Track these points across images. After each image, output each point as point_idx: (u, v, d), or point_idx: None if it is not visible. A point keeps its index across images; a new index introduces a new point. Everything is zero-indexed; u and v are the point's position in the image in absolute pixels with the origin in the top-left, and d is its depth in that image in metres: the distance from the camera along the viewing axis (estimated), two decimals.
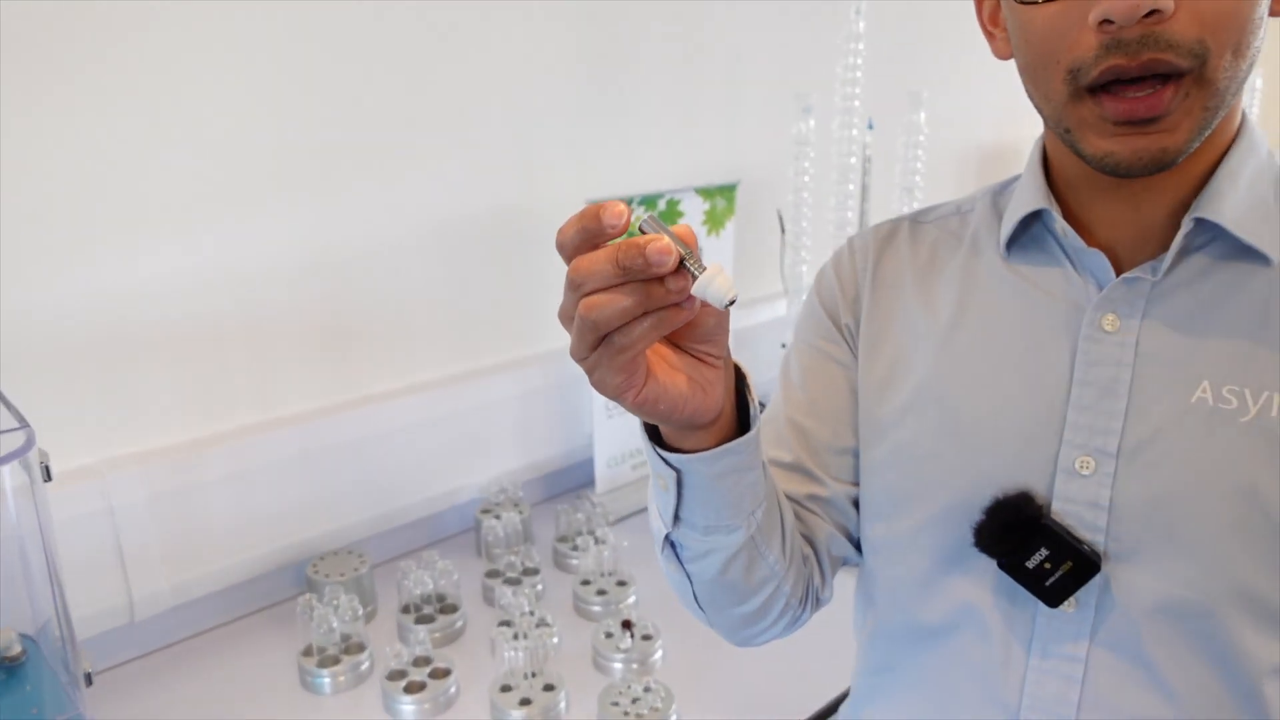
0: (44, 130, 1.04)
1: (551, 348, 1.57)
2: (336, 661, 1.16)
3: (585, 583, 1.33)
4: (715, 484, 0.63)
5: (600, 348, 0.51)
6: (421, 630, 1.22)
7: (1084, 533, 0.66)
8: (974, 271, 0.77)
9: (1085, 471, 0.66)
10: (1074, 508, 0.66)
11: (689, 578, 0.71)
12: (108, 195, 1.10)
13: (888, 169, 1.73)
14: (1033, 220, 0.74)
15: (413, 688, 1.11)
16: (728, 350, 0.59)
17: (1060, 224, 0.70)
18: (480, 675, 1.17)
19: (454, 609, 1.27)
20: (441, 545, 1.48)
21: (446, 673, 1.14)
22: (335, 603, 1.20)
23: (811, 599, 0.80)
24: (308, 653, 1.17)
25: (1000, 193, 0.80)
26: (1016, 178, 0.79)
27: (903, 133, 1.67)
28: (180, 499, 1.19)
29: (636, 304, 0.49)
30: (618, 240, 0.49)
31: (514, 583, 1.34)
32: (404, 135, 1.33)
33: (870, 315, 0.81)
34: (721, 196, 1.59)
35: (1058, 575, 0.66)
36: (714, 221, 1.60)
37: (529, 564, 1.38)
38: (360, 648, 1.19)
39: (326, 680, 1.15)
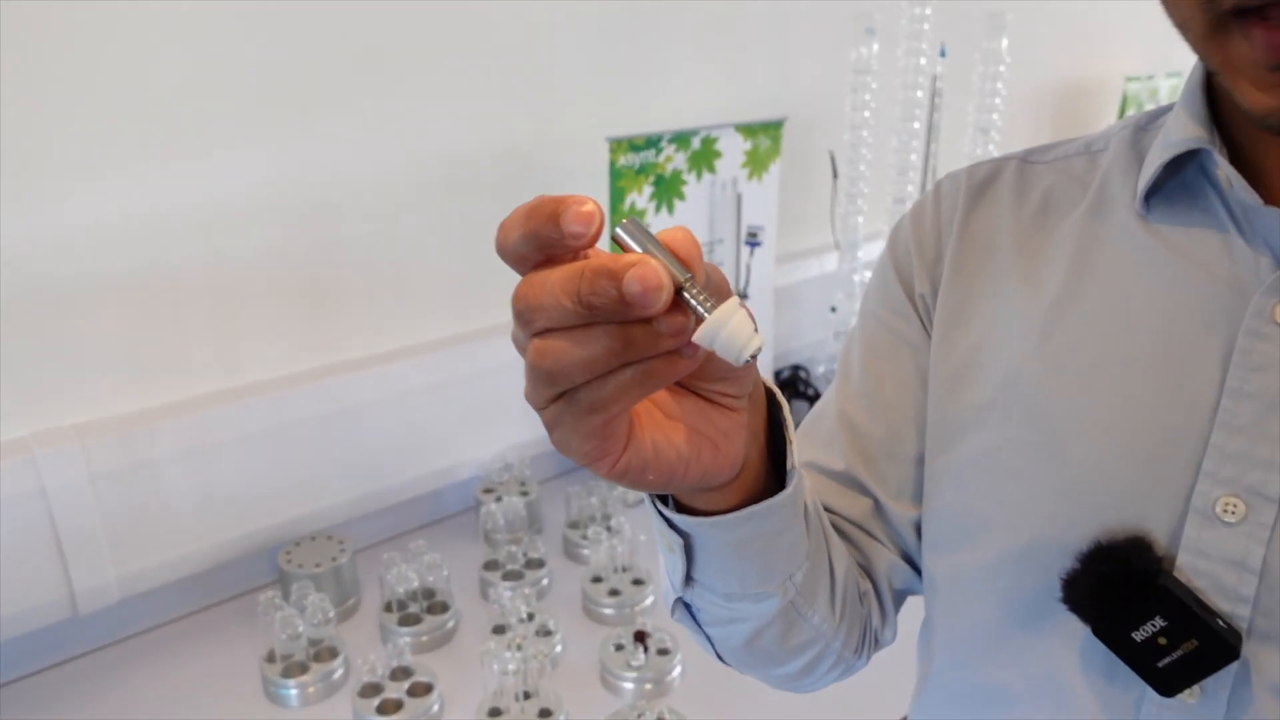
0: None
1: None
2: (304, 670, 1.01)
3: (596, 579, 1.16)
4: (737, 551, 0.48)
5: (561, 401, 0.36)
6: (405, 634, 1.06)
7: (1219, 601, 0.49)
8: (1097, 231, 0.58)
9: (1230, 518, 0.49)
10: (1208, 565, 0.49)
11: (710, 640, 0.57)
12: (42, 123, 0.92)
13: (960, 105, 1.49)
14: (1185, 163, 0.54)
15: (388, 707, 0.95)
16: (757, 379, 0.46)
17: (1225, 169, 0.51)
18: (469, 690, 1.00)
19: (444, 608, 1.11)
20: (439, 527, 1.32)
21: (428, 689, 0.98)
22: (303, 602, 1.04)
23: (869, 643, 0.65)
24: (271, 659, 1.01)
25: (1145, 127, 0.59)
26: (1167, 109, 0.58)
27: (980, 62, 1.43)
28: (128, 479, 1.03)
29: (609, 354, 0.34)
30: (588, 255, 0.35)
31: (515, 577, 1.17)
32: (399, 58, 1.13)
33: (952, 283, 0.62)
34: (766, 135, 1.38)
35: (1177, 655, 0.49)
36: (756, 164, 1.38)
37: (533, 554, 1.21)
38: (333, 653, 1.03)
39: (293, 691, 1.00)
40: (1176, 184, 0.54)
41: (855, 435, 0.65)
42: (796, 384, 1.63)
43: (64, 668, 1.04)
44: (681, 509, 0.48)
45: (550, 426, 0.37)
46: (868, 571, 0.64)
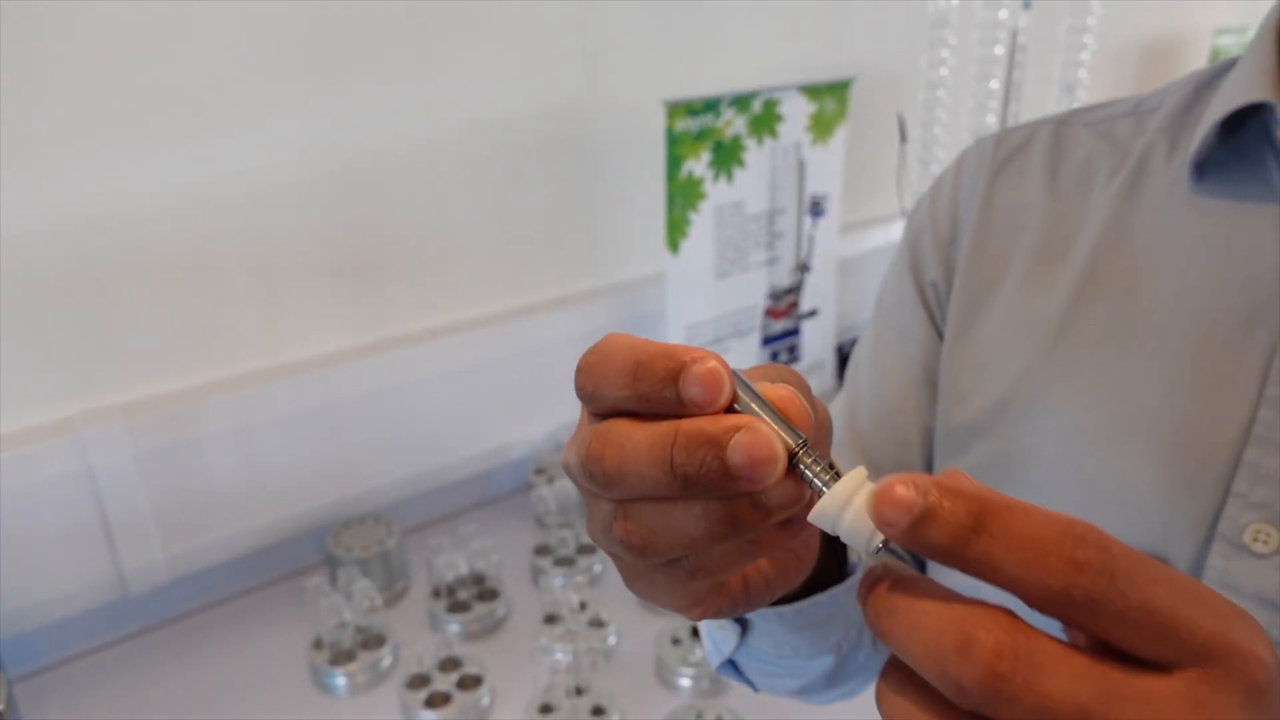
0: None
1: (618, 279, 1.33)
2: (351, 658, 0.98)
3: None
4: (796, 629, 0.46)
5: (656, 568, 0.31)
6: (454, 622, 1.03)
7: None
8: (1136, 204, 0.50)
9: (1261, 548, 0.42)
10: (1235, 600, 0.43)
11: (752, 684, 0.55)
12: (83, 92, 0.89)
13: (1045, 61, 1.39)
14: (1246, 123, 0.46)
15: (436, 700, 0.92)
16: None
17: None
18: (519, 682, 0.97)
19: (494, 595, 1.07)
20: (489, 509, 1.29)
21: (477, 682, 0.94)
22: (350, 588, 1.01)
23: None
24: (318, 646, 0.99)
25: (1210, 84, 0.50)
26: (1234, 61, 0.50)
27: (1068, 13, 1.32)
28: (174, 458, 1.01)
29: (710, 534, 0.28)
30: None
31: (567, 563, 1.13)
32: (444, 17, 1.07)
33: (970, 269, 0.55)
34: (832, 96, 1.29)
35: None
36: (821, 128, 1.30)
37: (585, 540, 1.16)
38: (380, 640, 1.00)
39: (340, 680, 0.97)
40: (1234, 148, 0.46)
41: (861, 443, 0.59)
42: None
43: (114, 649, 1.03)
44: None
45: (631, 579, 0.32)
46: None
